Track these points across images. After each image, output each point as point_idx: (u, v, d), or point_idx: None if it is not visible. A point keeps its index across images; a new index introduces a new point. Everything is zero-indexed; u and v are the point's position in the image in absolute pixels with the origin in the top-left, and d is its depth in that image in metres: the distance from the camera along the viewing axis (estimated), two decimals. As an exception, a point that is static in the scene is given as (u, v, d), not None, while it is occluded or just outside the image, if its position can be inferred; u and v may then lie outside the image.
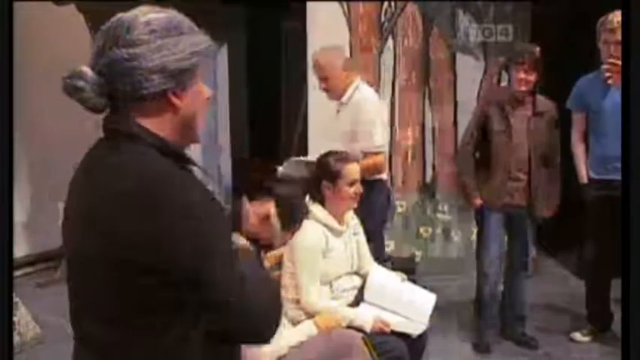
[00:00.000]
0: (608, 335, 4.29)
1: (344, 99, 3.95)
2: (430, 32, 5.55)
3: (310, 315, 2.85)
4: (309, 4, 5.29)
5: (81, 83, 1.37)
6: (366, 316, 2.91)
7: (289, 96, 6.95)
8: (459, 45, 5.60)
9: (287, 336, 2.67)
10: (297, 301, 2.93)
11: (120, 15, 1.42)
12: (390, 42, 5.44)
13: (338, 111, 3.99)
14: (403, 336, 2.94)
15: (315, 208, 3.01)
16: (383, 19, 5.42)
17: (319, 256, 2.95)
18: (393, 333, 2.91)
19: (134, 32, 1.37)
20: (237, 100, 6.90)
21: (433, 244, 5.65)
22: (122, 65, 1.36)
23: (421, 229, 5.63)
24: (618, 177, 3.97)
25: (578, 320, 4.44)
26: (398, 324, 2.95)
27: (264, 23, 6.89)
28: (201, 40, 1.44)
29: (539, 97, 4.02)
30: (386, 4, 5.41)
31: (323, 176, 3.06)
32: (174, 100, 1.41)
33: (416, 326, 3.02)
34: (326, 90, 3.99)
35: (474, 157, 4.11)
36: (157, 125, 1.41)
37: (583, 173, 4.21)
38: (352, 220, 3.22)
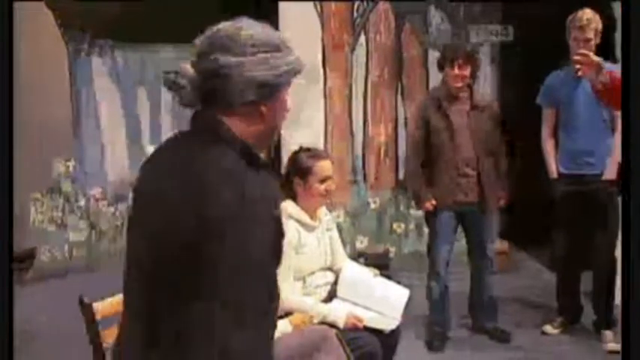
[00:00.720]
0: (578, 327, 4.37)
1: None
2: (402, 28, 5.59)
3: (283, 311, 2.85)
4: (281, 2, 5.28)
5: (183, 81, 1.49)
6: (339, 312, 2.92)
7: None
8: (431, 41, 5.63)
9: None
10: None
11: (223, 24, 1.54)
12: (362, 38, 5.46)
13: None
14: (376, 331, 2.95)
15: (287, 204, 3.01)
16: (355, 15, 5.43)
17: (292, 252, 2.95)
18: (366, 329, 2.92)
19: (238, 42, 1.49)
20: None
21: (406, 239, 5.69)
22: (223, 71, 1.47)
23: (394, 225, 5.65)
24: (588, 172, 4.05)
25: (549, 313, 4.50)
26: (370, 319, 2.96)
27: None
28: (293, 58, 1.57)
29: (477, 92, 4.08)
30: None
31: (294, 173, 3.06)
32: (264, 110, 1.53)
33: (389, 322, 3.03)
34: None
35: (419, 160, 4.11)
36: (243, 129, 1.52)
37: (553, 168, 4.27)
38: (325, 215, 3.22)
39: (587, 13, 3.98)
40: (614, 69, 4.07)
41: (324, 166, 3.05)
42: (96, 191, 5.87)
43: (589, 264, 4.31)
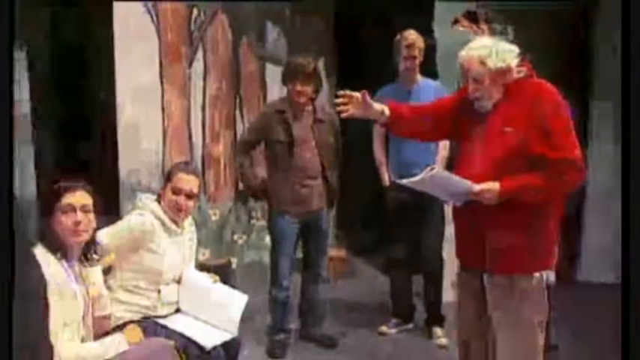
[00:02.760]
0: (412, 327, 4.65)
1: None
2: (240, 42, 5.65)
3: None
4: (115, 13, 5.15)
5: None
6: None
7: (97, 106, 6.74)
8: (268, 54, 5.76)
9: (92, 350, 2.55)
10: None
11: None
12: (200, 51, 5.45)
13: None
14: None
15: (151, 202, 3.09)
16: (192, 28, 5.42)
17: (130, 236, 2.99)
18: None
19: None
20: (46, 107, 6.57)
21: (248, 250, 5.74)
22: None
23: (235, 236, 5.69)
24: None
25: (385, 314, 4.73)
26: (201, 335, 2.94)
27: (70, 30, 6.63)
28: None
29: (319, 104, 4.23)
30: (195, 12, 5.42)
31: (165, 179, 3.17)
32: None
33: (220, 334, 3.02)
34: None
35: (250, 155, 4.25)
36: None
37: (385, 177, 4.52)
38: (190, 226, 3.25)
39: (412, 34, 4.34)
40: (434, 84, 4.47)
41: (182, 179, 3.09)
42: None
43: (419, 266, 4.60)
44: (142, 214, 3.05)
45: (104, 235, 2.91)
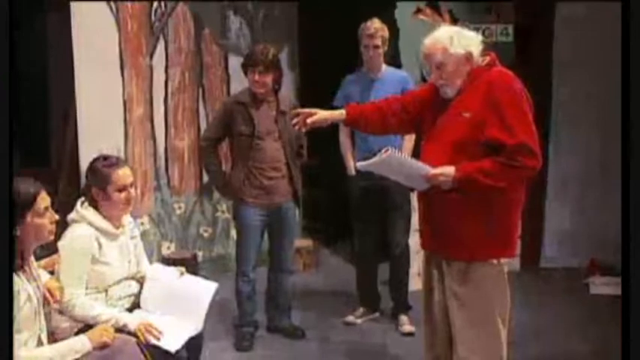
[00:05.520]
0: (378, 315, 4.67)
1: None
2: (202, 33, 5.59)
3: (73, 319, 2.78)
4: (74, 4, 5.03)
5: None
6: (131, 318, 2.85)
7: (56, 100, 6.61)
8: (230, 45, 5.71)
9: (55, 351, 2.50)
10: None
11: None
12: (161, 42, 5.38)
13: None
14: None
15: (88, 212, 2.94)
16: (153, 19, 5.34)
17: (85, 260, 2.87)
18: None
19: None
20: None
21: (214, 243, 5.71)
22: None
23: (201, 230, 5.65)
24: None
25: (352, 304, 4.73)
26: (165, 338, 2.82)
27: (26, 20, 6.51)
28: None
29: (282, 96, 4.19)
30: (155, 3, 5.33)
31: (93, 182, 2.96)
32: None
33: (183, 333, 2.93)
34: None
35: (216, 153, 4.22)
36: None
37: (350, 165, 4.51)
38: (129, 223, 3.15)
39: (376, 23, 4.32)
40: (398, 73, 4.48)
41: (122, 175, 2.95)
42: None
43: (385, 255, 4.62)
44: (73, 231, 2.90)
45: (66, 286, 2.79)
